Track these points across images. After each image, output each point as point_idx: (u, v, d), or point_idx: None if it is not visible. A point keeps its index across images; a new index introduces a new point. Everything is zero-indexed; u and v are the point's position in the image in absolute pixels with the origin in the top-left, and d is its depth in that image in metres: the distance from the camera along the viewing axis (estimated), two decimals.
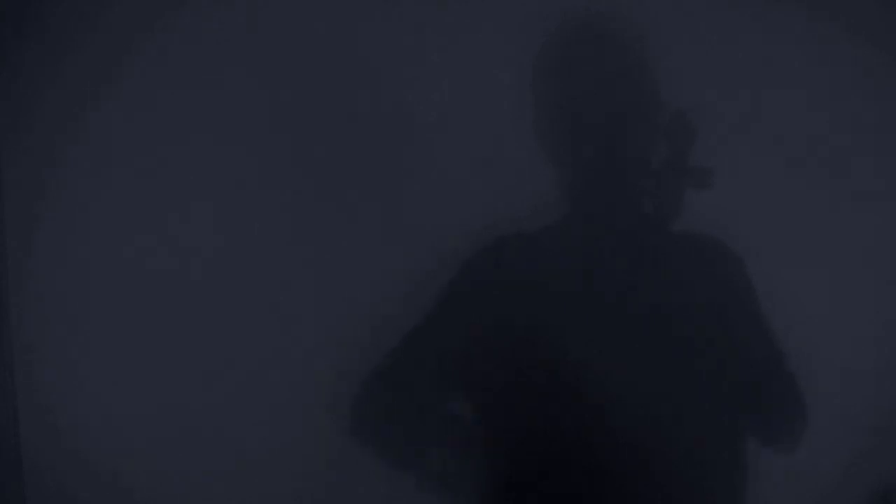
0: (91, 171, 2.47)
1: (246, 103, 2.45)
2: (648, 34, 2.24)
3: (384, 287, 2.41)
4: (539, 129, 2.16)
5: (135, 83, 2.47)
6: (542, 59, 2.17)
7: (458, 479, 2.12)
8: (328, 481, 2.43)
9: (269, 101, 2.45)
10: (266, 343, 2.45)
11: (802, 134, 2.41)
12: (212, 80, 2.46)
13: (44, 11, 2.46)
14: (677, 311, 2.10)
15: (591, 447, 2.07)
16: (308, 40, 2.45)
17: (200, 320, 2.46)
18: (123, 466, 2.46)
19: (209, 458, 2.46)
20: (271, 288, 2.46)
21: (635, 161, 2.12)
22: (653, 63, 2.12)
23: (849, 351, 2.41)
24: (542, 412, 2.06)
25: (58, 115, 2.47)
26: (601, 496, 2.07)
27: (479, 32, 2.39)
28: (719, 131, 2.34)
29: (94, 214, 2.48)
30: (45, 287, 2.48)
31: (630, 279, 2.09)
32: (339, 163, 2.44)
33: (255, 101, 2.45)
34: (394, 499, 2.38)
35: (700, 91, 2.34)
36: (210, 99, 2.46)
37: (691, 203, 2.24)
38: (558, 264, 2.08)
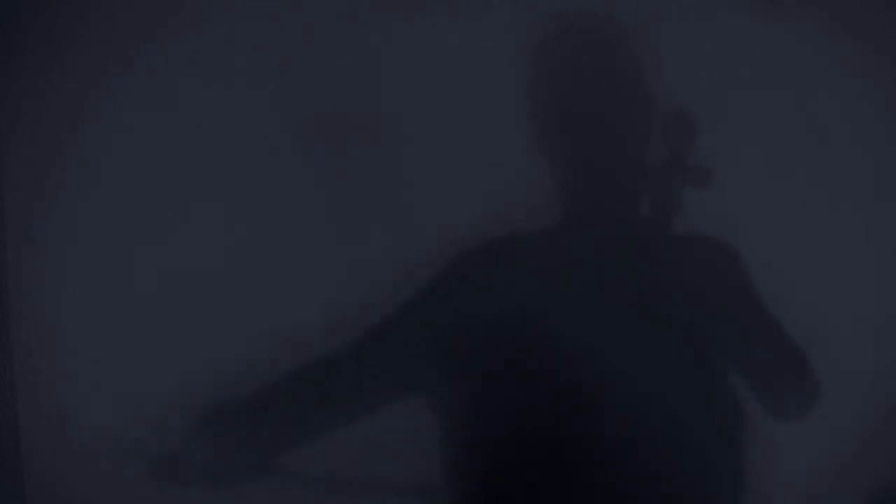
0: (91, 171, 2.48)
1: (246, 104, 2.46)
2: (647, 34, 2.24)
3: (380, 287, 2.41)
4: (536, 129, 2.16)
5: (135, 83, 2.47)
6: (539, 58, 2.17)
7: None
8: (327, 477, 2.43)
9: (270, 101, 2.45)
10: (265, 343, 2.46)
11: (802, 134, 2.41)
12: (213, 81, 2.46)
13: (44, 12, 2.47)
14: (676, 312, 2.10)
15: (589, 448, 2.07)
16: (306, 42, 2.45)
17: (201, 320, 2.46)
18: (123, 466, 2.46)
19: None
20: (270, 288, 2.46)
21: (632, 161, 2.12)
22: (650, 63, 2.12)
23: (849, 351, 2.41)
24: (537, 412, 2.06)
25: (58, 115, 2.47)
26: (598, 495, 2.07)
27: (476, 32, 2.39)
28: (719, 131, 2.34)
29: (95, 215, 2.48)
30: (46, 287, 2.48)
31: (627, 280, 2.09)
32: (336, 163, 2.44)
33: (256, 102, 2.45)
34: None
35: (700, 90, 2.34)
36: (211, 100, 2.46)
37: (691, 203, 2.24)
38: (554, 265, 2.09)
